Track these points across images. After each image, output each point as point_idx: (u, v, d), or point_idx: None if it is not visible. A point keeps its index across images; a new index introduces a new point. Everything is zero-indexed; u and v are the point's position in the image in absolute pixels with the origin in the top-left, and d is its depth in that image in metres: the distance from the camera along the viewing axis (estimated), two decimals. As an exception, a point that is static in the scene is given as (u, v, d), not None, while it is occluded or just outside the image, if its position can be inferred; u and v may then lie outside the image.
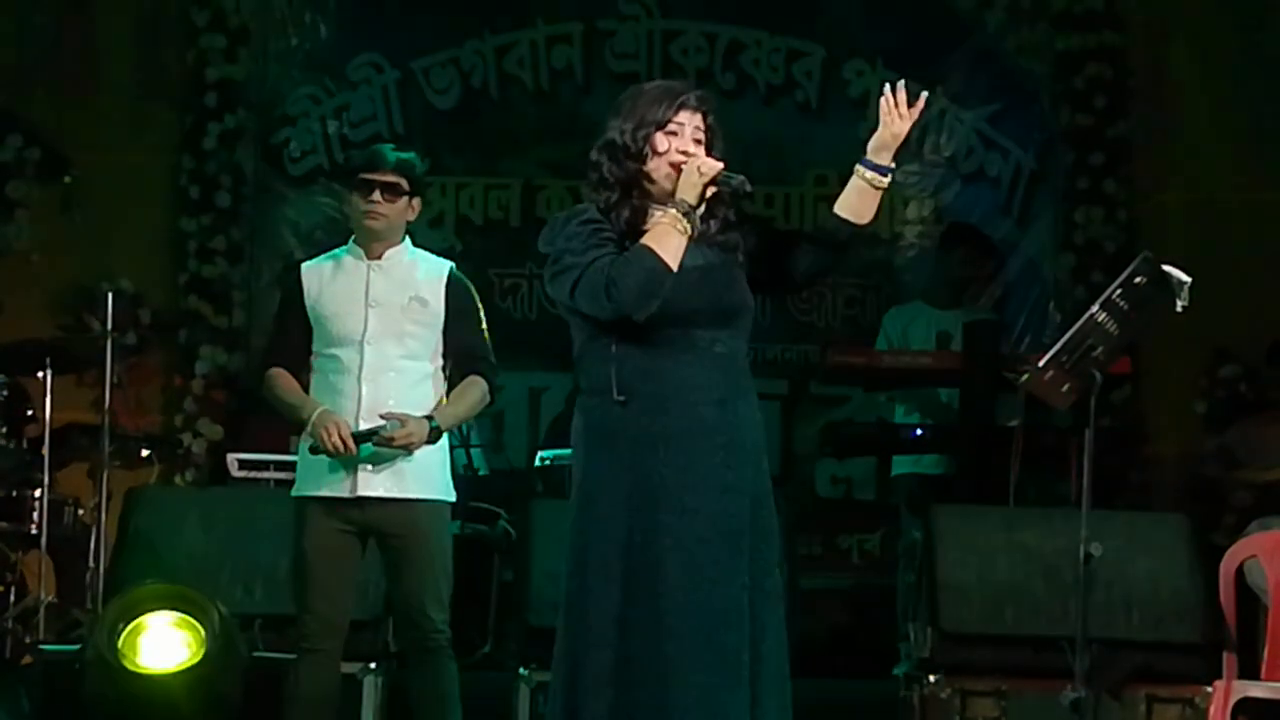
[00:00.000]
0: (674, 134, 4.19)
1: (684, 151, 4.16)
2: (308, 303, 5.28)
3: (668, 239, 4.09)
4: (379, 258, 5.30)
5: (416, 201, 5.34)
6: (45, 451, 6.78)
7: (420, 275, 5.31)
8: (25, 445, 7.06)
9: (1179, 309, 4.82)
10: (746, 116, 8.77)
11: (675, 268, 4.08)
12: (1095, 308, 4.82)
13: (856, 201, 4.20)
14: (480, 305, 5.41)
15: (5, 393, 7.05)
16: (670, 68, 8.86)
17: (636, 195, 4.20)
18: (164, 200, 8.83)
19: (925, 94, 4.20)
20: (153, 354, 8.67)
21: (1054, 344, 4.95)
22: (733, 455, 4.13)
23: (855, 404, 8.46)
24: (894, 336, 7.72)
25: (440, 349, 5.30)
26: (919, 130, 8.73)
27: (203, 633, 5.52)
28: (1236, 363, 8.54)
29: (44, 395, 6.83)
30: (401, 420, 5.14)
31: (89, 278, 8.44)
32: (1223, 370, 8.58)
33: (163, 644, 5.55)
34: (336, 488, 5.18)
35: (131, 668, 5.48)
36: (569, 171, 8.84)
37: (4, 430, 7.02)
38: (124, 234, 8.66)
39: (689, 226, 4.10)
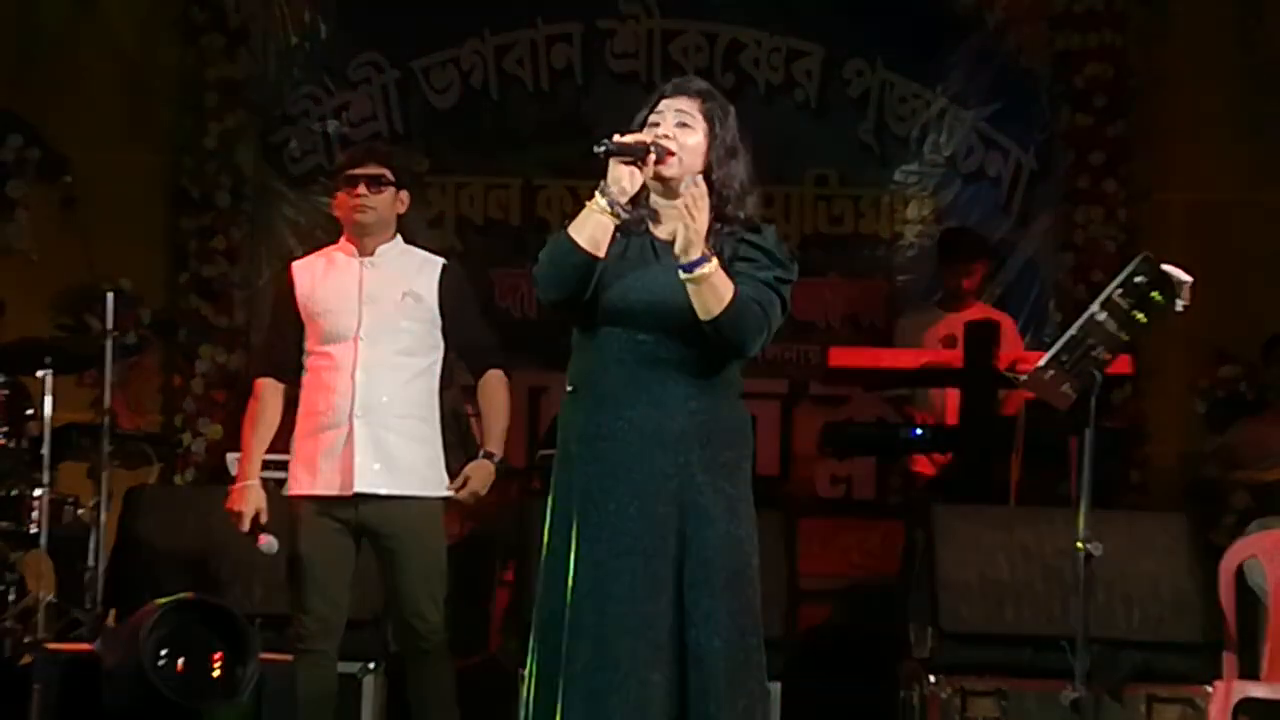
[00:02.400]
0: (655, 125, 4.19)
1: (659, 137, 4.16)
2: (300, 300, 5.29)
3: (583, 220, 4.08)
4: (371, 254, 5.31)
5: (405, 195, 5.35)
6: (45, 451, 6.77)
7: (414, 270, 5.33)
8: (25, 445, 7.06)
9: (1179, 309, 4.82)
10: (746, 116, 8.72)
11: (597, 249, 4.06)
12: (1095, 307, 4.82)
13: (694, 301, 4.04)
14: (476, 293, 5.44)
15: (5, 392, 7.04)
16: (670, 68, 8.85)
17: (644, 199, 4.19)
18: (164, 200, 8.83)
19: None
20: (153, 354, 8.67)
21: (1054, 344, 4.95)
22: (666, 462, 4.06)
23: (855, 404, 8.47)
24: (908, 340, 7.75)
25: (435, 344, 5.30)
26: (919, 130, 8.88)
27: (246, 666, 5.42)
28: (1236, 363, 8.54)
29: (44, 395, 6.82)
30: (465, 480, 5.22)
31: (89, 278, 8.44)
32: (1223, 370, 8.58)
33: (203, 667, 5.43)
34: (329, 486, 5.19)
35: (173, 696, 5.35)
36: (569, 171, 8.85)
37: (4, 430, 7.02)
38: (124, 234, 8.64)
39: (607, 205, 4.06)
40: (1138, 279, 4.79)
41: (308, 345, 5.28)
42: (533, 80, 9.00)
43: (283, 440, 5.41)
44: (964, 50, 8.90)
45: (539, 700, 4.11)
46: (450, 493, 5.28)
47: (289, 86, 8.96)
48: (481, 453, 5.29)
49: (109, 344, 6.71)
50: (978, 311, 7.71)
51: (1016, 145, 8.92)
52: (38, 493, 6.81)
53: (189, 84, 8.82)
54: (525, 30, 8.99)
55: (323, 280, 5.30)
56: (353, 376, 5.20)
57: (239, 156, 8.82)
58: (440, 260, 5.39)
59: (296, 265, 5.39)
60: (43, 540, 6.76)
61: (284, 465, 5.40)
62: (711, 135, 4.20)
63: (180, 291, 8.76)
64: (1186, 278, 4.81)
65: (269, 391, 5.33)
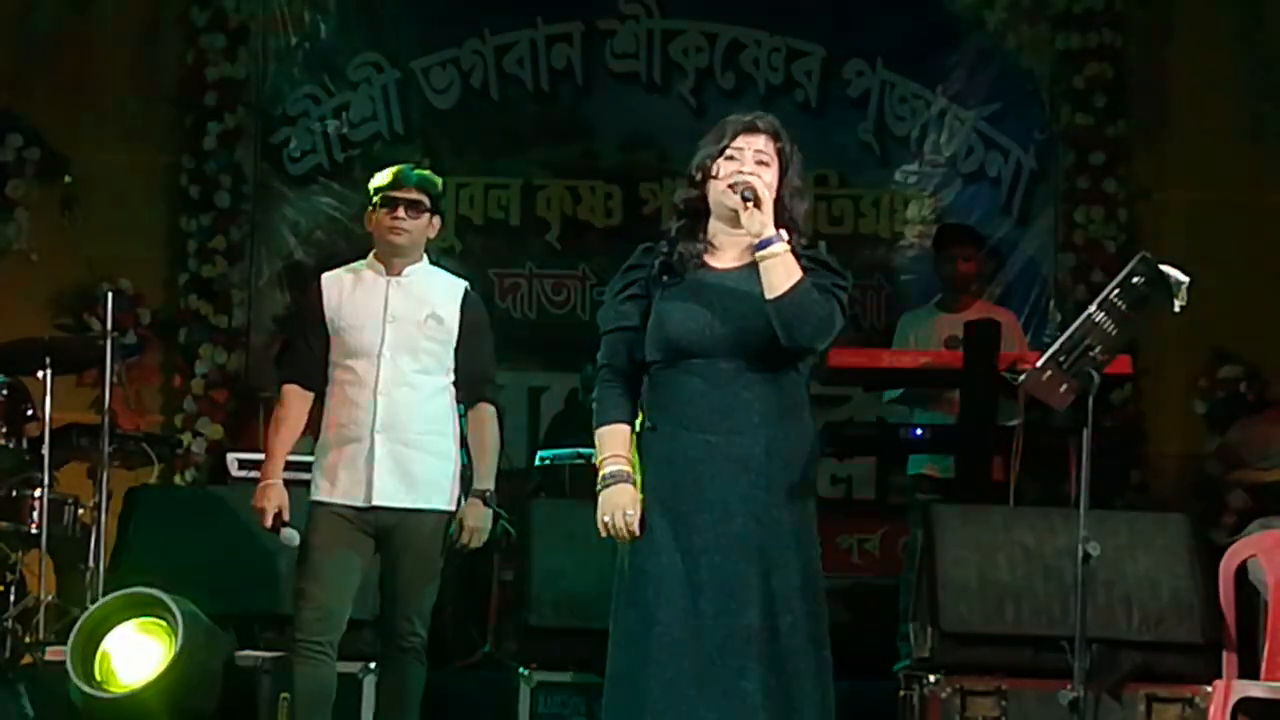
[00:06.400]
0: (732, 159, 4.32)
1: (740, 172, 4.28)
2: (327, 314, 5.38)
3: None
4: (398, 274, 5.40)
5: (436, 220, 5.48)
6: (45, 451, 6.77)
7: (437, 293, 5.43)
8: (25, 445, 7.06)
9: (1176, 309, 4.82)
10: (746, 117, 8.76)
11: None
12: (1093, 308, 4.82)
13: (765, 279, 4.22)
14: (490, 327, 5.51)
15: (5, 392, 7.04)
16: (670, 67, 8.87)
17: (701, 219, 4.34)
18: (164, 200, 8.85)
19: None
20: (153, 354, 8.68)
21: (1053, 344, 4.95)
22: (746, 483, 4.21)
23: (855, 404, 8.46)
24: (907, 339, 7.74)
25: (453, 365, 5.38)
26: (919, 130, 8.88)
27: (171, 639, 5.52)
28: (1236, 363, 8.55)
29: (44, 395, 6.82)
30: (459, 520, 5.29)
31: (89, 278, 8.45)
32: (1223, 370, 8.59)
33: (131, 655, 5.58)
34: (349, 496, 5.28)
35: (101, 686, 5.52)
36: (569, 171, 8.86)
37: (4, 430, 7.02)
38: (124, 234, 8.66)
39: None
40: (1136, 279, 4.79)
41: (332, 357, 5.39)
42: (533, 80, 9.01)
43: (300, 441, 5.49)
44: (964, 50, 8.91)
45: (618, 705, 4.20)
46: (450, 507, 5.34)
47: (289, 86, 8.97)
48: (472, 492, 5.35)
49: (109, 344, 6.71)
50: (979, 310, 7.70)
51: (1016, 145, 8.93)
52: (38, 493, 6.81)
53: (189, 84, 8.83)
54: (525, 30, 9.00)
55: (350, 296, 5.41)
56: (375, 392, 5.31)
57: (239, 156, 8.83)
58: (464, 284, 5.50)
59: (326, 278, 5.50)
60: (43, 540, 6.76)
61: (287, 465, 5.44)
62: (783, 174, 4.37)
63: (180, 291, 8.77)
64: (1184, 278, 4.81)
65: (294, 398, 5.43)
